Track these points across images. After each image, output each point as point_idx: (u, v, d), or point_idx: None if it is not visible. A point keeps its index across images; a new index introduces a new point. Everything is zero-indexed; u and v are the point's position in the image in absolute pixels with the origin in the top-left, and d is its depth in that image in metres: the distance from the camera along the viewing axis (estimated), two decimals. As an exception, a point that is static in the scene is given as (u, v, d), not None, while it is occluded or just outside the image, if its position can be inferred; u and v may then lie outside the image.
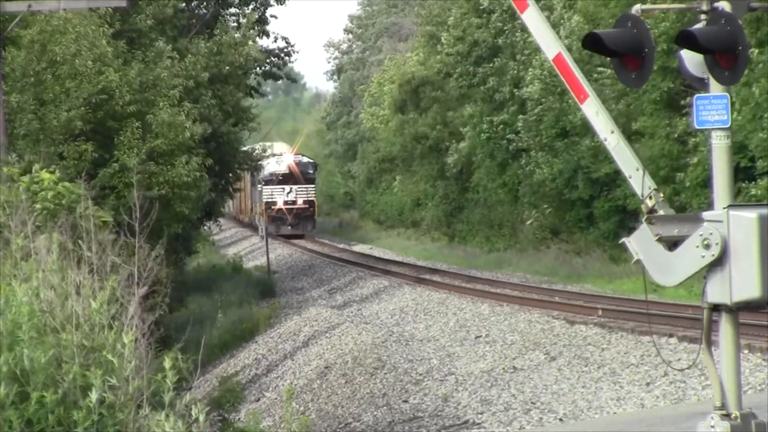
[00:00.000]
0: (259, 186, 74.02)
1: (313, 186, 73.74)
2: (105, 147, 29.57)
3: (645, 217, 9.72)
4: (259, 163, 70.45)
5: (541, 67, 49.66)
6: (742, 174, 32.93)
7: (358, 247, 64.75)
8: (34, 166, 15.81)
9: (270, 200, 72.24)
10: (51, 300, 9.30)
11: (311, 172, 74.61)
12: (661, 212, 9.79)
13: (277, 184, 72.24)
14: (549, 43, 10.25)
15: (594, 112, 10.03)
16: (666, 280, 9.67)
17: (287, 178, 72.63)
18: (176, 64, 35.21)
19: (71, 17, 28.67)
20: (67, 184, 15.21)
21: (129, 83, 30.18)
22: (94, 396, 8.54)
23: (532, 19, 10.21)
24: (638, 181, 9.79)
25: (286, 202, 72.16)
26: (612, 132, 9.99)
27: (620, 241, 9.88)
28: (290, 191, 72.19)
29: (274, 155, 75.27)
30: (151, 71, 32.30)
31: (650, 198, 9.76)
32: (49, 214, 13.36)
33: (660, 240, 9.64)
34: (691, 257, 9.50)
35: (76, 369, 8.69)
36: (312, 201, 72.98)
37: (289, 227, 72.17)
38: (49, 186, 14.82)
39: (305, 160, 75.36)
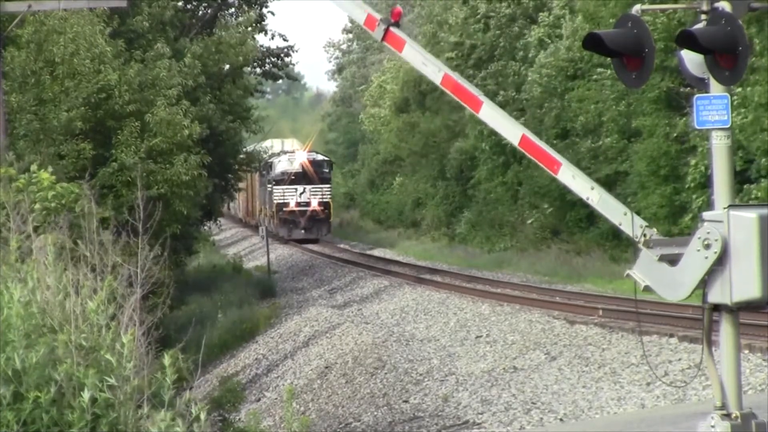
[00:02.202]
0: (269, 186, 68.29)
1: (328, 186, 67.87)
2: (104, 146, 29.60)
3: (642, 242, 9.75)
4: (269, 161, 67.27)
5: (540, 70, 49.72)
6: (739, 176, 32.94)
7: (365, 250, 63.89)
8: (32, 166, 15.80)
9: (281, 201, 66.45)
10: (48, 300, 9.29)
11: (326, 171, 68.44)
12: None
13: (289, 184, 66.39)
14: (511, 130, 10.30)
15: (570, 176, 10.05)
16: (676, 295, 9.69)
17: (300, 178, 66.49)
18: (175, 65, 35.25)
19: (68, 17, 28.68)
20: (65, 184, 15.21)
21: (128, 82, 30.21)
22: (86, 396, 8.52)
23: (489, 114, 10.25)
24: (628, 224, 9.83)
25: (298, 204, 66.32)
26: (592, 189, 10.01)
27: (625, 275, 9.93)
28: (303, 192, 66.27)
29: (285, 152, 70.88)
30: (151, 71, 32.33)
31: (644, 236, 9.80)
32: (49, 214, 13.36)
33: (662, 259, 9.67)
34: (694, 263, 9.51)
35: (70, 369, 8.68)
36: (327, 203, 67.06)
37: (302, 231, 66.49)
38: (48, 186, 14.81)
39: (320, 157, 69.43)
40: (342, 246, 64.65)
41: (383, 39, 10.29)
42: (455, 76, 10.31)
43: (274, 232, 66.69)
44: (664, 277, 9.69)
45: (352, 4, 10.72)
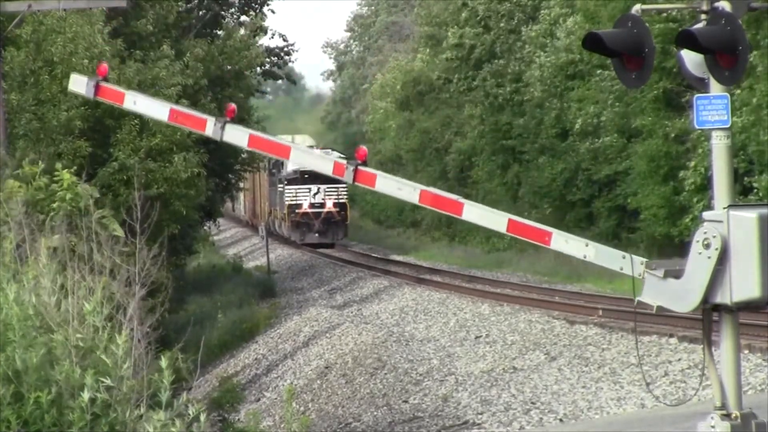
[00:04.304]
0: (280, 186, 63.11)
1: (344, 186, 60.17)
2: (103, 146, 29.57)
3: (644, 265, 9.81)
4: (279, 159, 66.55)
5: (540, 68, 49.74)
6: (743, 177, 32.93)
7: (364, 249, 63.48)
8: (57, 165, 15.78)
9: (293, 203, 61.09)
10: (45, 301, 9.29)
11: None
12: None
13: (301, 184, 60.86)
14: (497, 219, 10.52)
15: (563, 241, 10.19)
16: (688, 305, 9.69)
17: (314, 177, 59.85)
18: (176, 64, 35.24)
19: (67, 16, 28.65)
20: (86, 185, 15.19)
21: (127, 82, 30.17)
22: (86, 396, 8.51)
23: (472, 211, 10.48)
24: (629, 266, 9.88)
25: (312, 205, 60.79)
26: (587, 245, 10.12)
27: (635, 303, 10.01)
28: (318, 192, 60.74)
29: None
30: (150, 70, 32.30)
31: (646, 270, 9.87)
32: (65, 215, 13.34)
33: (667, 274, 9.69)
34: (699, 266, 9.50)
35: (68, 369, 8.67)
36: (344, 204, 61.39)
37: (317, 235, 61.07)
38: (69, 187, 14.76)
39: (335, 155, 65.57)
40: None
41: (355, 180, 10.53)
42: (431, 190, 10.58)
43: (286, 236, 63.60)
44: (672, 292, 9.69)
45: (320, 159, 11.02)
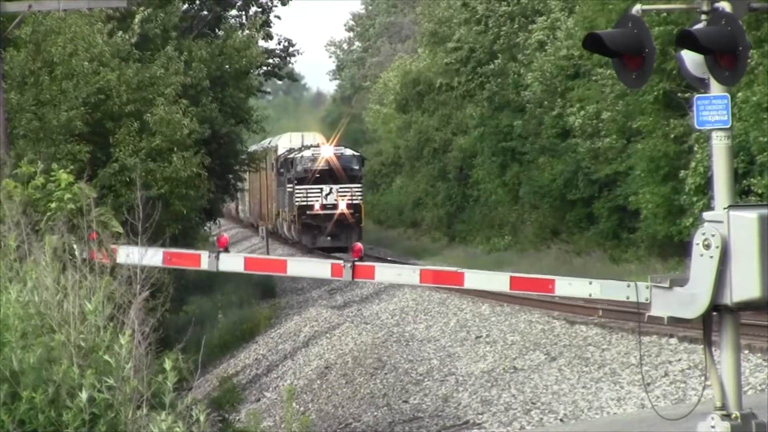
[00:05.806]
0: (289, 186, 59.08)
1: (359, 186, 58.04)
2: (103, 148, 29.56)
3: (649, 287, 9.88)
4: (289, 156, 60.82)
5: (541, 68, 49.75)
6: (743, 178, 32.92)
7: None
8: (53, 165, 15.75)
9: (303, 204, 56.93)
10: (47, 301, 9.29)
11: (357, 167, 58.23)
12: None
13: (312, 183, 56.90)
14: (498, 279, 10.98)
15: (567, 285, 10.39)
16: (695, 311, 9.70)
17: (326, 176, 56.73)
18: (176, 62, 35.26)
19: (66, 17, 28.65)
20: (82, 185, 15.18)
21: (127, 82, 30.18)
22: (83, 396, 8.52)
23: (474, 278, 10.90)
24: (634, 294, 9.96)
25: (324, 206, 56.55)
26: (590, 283, 10.23)
27: (645, 319, 10.08)
28: (330, 192, 56.61)
29: (307, 147, 61.97)
30: (148, 69, 32.29)
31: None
32: (62, 215, 13.35)
33: (673, 284, 9.73)
34: (703, 268, 9.51)
35: (65, 369, 8.67)
36: (358, 205, 57.05)
37: (329, 238, 56.62)
38: (66, 187, 14.73)
39: (348, 152, 59.29)
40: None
41: (353, 276, 10.86)
42: (430, 267, 11.09)
43: (296, 240, 60.43)
44: (680, 300, 9.70)
45: (317, 264, 11.65)
